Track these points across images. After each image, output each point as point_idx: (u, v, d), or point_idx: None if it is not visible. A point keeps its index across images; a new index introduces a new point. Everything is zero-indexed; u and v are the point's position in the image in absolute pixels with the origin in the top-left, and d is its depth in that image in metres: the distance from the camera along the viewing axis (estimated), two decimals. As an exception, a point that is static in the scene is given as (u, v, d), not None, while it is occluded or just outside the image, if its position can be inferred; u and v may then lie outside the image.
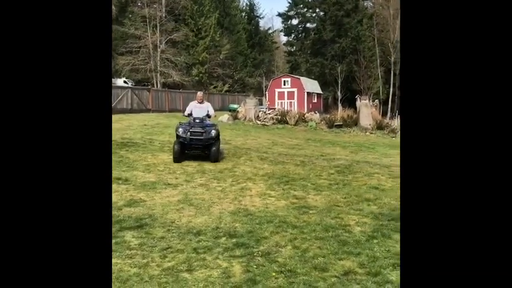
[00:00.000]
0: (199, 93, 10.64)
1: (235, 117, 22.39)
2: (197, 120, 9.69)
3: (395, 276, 3.75)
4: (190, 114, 10.04)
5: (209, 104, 10.56)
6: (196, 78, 35.98)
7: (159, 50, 33.65)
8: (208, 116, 10.01)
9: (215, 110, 11.74)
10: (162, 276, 3.75)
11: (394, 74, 41.60)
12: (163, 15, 34.32)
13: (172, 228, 5.02)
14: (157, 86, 32.35)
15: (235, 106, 28.87)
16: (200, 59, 35.92)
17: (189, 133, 9.38)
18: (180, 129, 9.46)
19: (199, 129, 9.44)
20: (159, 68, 33.68)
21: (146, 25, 33.23)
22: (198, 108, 10.09)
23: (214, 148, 9.54)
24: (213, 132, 9.56)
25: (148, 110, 24.57)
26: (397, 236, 4.80)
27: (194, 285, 3.55)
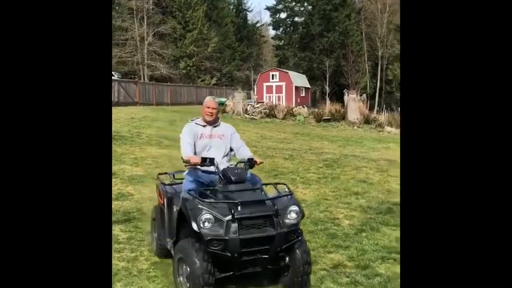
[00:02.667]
0: (210, 100, 3.92)
1: (223, 111, 22.29)
2: (234, 177, 3.41)
3: (384, 269, 3.78)
4: (203, 161, 3.56)
5: (230, 126, 4.07)
6: (184, 71, 35.71)
7: (146, 42, 33.26)
8: (251, 161, 3.70)
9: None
10: (151, 270, 3.72)
11: (382, 69, 41.83)
12: (151, 7, 33.91)
13: (161, 222, 4.98)
14: (144, 79, 31.99)
15: (223, 100, 28.68)
16: (188, 52, 35.65)
17: (234, 224, 3.11)
18: (205, 218, 3.09)
19: (259, 210, 3.24)
20: (146, 61, 33.32)
21: (133, 17, 32.79)
22: (208, 138, 3.85)
23: (299, 251, 3.38)
24: (295, 212, 3.35)
25: (135, 103, 24.30)
26: (386, 229, 4.84)
27: (183, 279, 3.53)
